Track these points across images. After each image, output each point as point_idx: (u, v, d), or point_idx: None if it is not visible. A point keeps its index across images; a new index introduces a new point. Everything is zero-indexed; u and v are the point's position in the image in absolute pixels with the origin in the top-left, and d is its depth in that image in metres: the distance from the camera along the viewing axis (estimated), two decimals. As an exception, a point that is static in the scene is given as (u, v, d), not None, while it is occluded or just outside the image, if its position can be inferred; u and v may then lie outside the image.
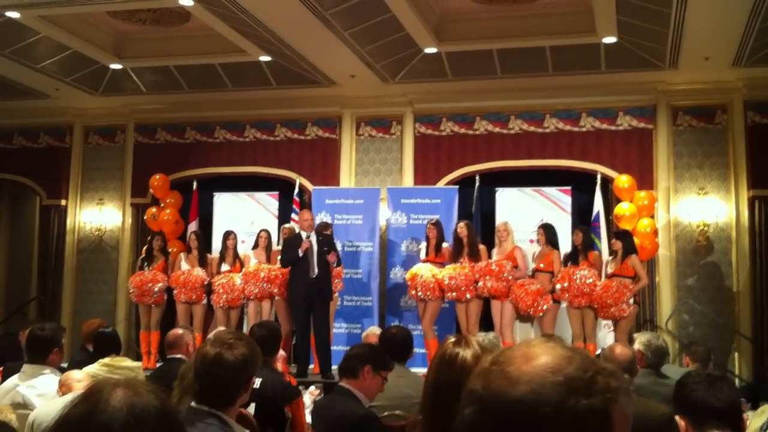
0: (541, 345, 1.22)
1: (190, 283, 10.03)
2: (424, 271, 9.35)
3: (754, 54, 9.23)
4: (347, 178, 11.35)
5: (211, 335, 5.67)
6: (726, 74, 9.92)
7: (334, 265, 9.25)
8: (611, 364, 3.75)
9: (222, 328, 6.26)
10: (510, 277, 9.24)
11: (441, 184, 10.91)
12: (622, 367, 4.69)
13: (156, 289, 10.19)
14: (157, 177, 11.48)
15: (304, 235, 9.16)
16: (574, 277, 8.97)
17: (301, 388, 5.98)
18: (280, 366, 5.67)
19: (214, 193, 11.74)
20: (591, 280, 8.94)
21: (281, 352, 5.43)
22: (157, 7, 9.11)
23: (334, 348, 9.39)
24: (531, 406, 1.13)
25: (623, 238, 9.22)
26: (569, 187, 10.58)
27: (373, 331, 8.09)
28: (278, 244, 10.29)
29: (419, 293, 9.30)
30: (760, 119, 10.13)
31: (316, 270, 9.08)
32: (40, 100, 11.78)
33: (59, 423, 1.36)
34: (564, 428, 1.12)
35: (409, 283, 9.44)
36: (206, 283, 10.12)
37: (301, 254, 9.07)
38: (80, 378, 4.43)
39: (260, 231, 10.33)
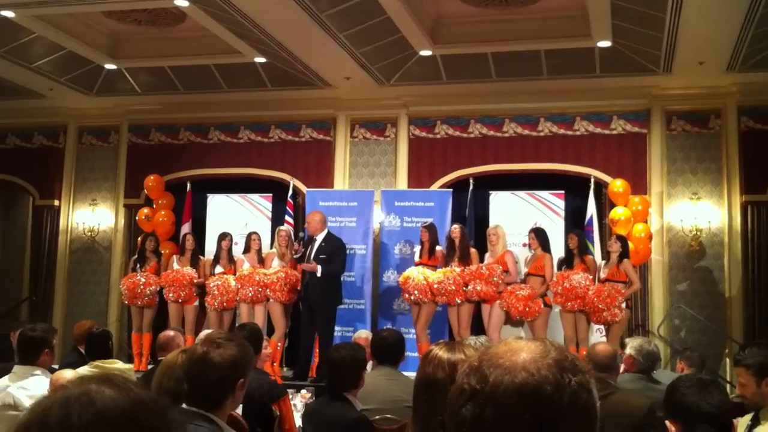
0: (518, 341, 1.33)
1: (178, 281, 10.00)
2: (416, 274, 9.35)
3: (748, 59, 9.26)
4: (341, 180, 11.34)
5: (201, 335, 5.69)
6: (720, 79, 9.95)
7: (317, 273, 9.24)
8: (594, 360, 3.76)
9: (212, 330, 6.22)
10: (500, 281, 9.24)
11: (435, 187, 10.91)
12: (602, 363, 4.74)
13: (148, 291, 10.15)
14: (152, 178, 11.45)
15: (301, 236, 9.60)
16: (566, 284, 8.97)
17: (292, 391, 5.98)
18: (264, 366, 5.66)
19: (208, 195, 11.72)
20: (585, 283, 8.95)
21: (264, 352, 5.42)
22: (152, 8, 9.10)
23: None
24: (533, 389, 1.22)
25: (622, 241, 9.25)
26: (563, 191, 10.59)
27: (361, 335, 8.09)
28: (271, 247, 10.28)
29: (412, 296, 9.29)
30: (753, 124, 10.15)
31: (308, 275, 9.23)
32: (34, 99, 11.75)
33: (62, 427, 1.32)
34: (563, 404, 1.23)
35: (402, 286, 9.43)
36: (197, 282, 10.09)
37: (294, 255, 9.49)
38: (71, 378, 4.40)
39: (251, 234, 10.29)
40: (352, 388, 4.37)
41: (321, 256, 9.29)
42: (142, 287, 10.11)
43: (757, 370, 3.73)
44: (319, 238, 9.46)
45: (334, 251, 9.41)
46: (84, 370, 5.23)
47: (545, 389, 1.23)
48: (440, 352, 2.64)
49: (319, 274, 9.21)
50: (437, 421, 2.45)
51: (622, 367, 4.83)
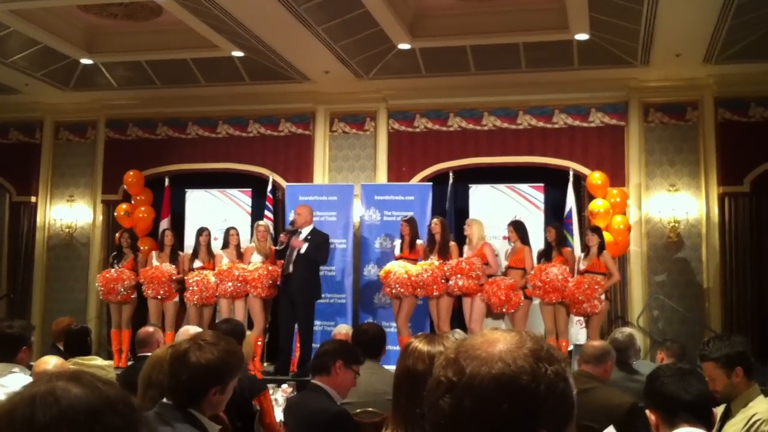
0: (494, 332, 1.35)
1: (157, 278, 9.94)
2: (397, 268, 9.35)
3: (724, 51, 9.31)
4: (321, 174, 11.31)
5: (181, 330, 5.67)
6: (697, 71, 10.00)
7: (301, 250, 9.26)
8: (583, 351, 3.78)
9: (190, 326, 6.19)
10: (481, 274, 9.25)
11: (415, 180, 10.92)
12: (588, 353, 4.78)
13: (120, 287, 10.07)
14: (131, 173, 11.37)
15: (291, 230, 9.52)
16: (544, 277, 9.00)
17: (273, 386, 5.97)
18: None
19: (187, 190, 11.66)
20: (563, 276, 8.98)
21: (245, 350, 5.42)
22: (128, 2, 9.04)
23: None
24: (510, 378, 1.24)
25: (599, 233, 9.30)
26: (542, 184, 10.62)
27: (340, 330, 8.09)
28: (251, 242, 10.26)
29: (394, 290, 9.29)
30: (730, 116, 10.22)
31: (290, 267, 9.19)
32: (10, 95, 11.63)
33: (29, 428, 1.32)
34: (540, 392, 1.24)
35: (383, 280, 9.43)
36: (176, 279, 10.04)
37: (278, 248, 9.45)
38: (55, 363, 4.37)
39: (229, 229, 10.24)
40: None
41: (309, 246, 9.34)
42: (115, 283, 10.04)
43: (726, 362, 3.74)
44: (305, 231, 9.45)
45: (320, 243, 9.42)
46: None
47: (522, 379, 1.24)
48: (420, 344, 2.65)
49: (303, 251, 9.21)
50: (417, 412, 2.46)
51: (609, 363, 4.82)
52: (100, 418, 1.32)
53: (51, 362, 4.39)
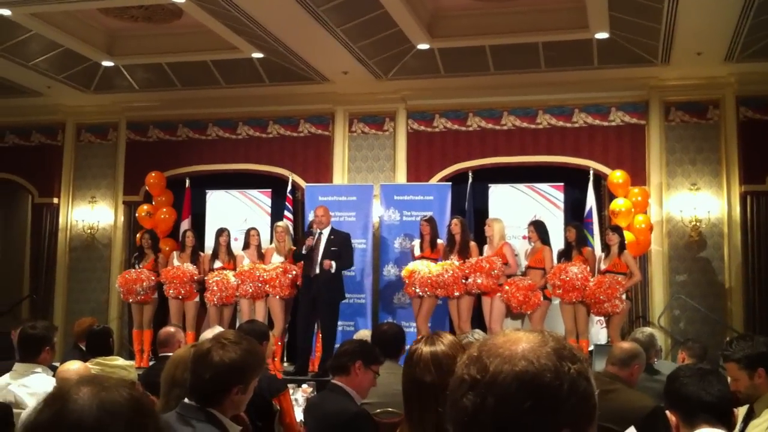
0: (516, 331, 1.35)
1: (178, 278, 10.00)
2: (421, 267, 9.33)
3: (745, 49, 9.24)
4: (340, 174, 11.33)
5: (207, 333, 5.69)
6: (718, 70, 9.93)
7: (331, 270, 9.23)
8: (611, 352, 3.77)
9: (217, 327, 6.22)
10: (500, 274, 9.23)
11: (434, 180, 10.91)
12: (615, 355, 4.75)
13: (139, 288, 10.13)
14: (153, 174, 11.45)
15: (316, 232, 9.43)
16: (563, 277, 8.96)
17: (293, 386, 5.98)
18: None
19: (207, 191, 11.71)
20: (582, 275, 8.94)
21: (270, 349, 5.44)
22: (149, 4, 9.08)
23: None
24: (534, 376, 1.25)
25: (619, 232, 9.25)
26: (562, 183, 10.58)
27: (363, 335, 8.07)
28: (271, 243, 10.29)
29: (417, 290, 9.27)
30: (752, 114, 10.14)
31: (317, 269, 9.18)
32: (32, 97, 11.75)
33: (28, 429, 1.35)
34: (563, 391, 1.25)
35: (407, 280, 9.41)
36: (197, 279, 10.10)
37: (304, 251, 9.35)
38: (77, 369, 4.41)
39: (250, 230, 10.30)
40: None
41: (332, 249, 9.31)
42: (134, 283, 10.11)
43: (747, 363, 3.71)
44: (326, 232, 9.46)
45: (344, 245, 9.43)
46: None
47: (545, 377, 1.25)
48: (423, 347, 2.68)
49: (333, 270, 9.22)
50: (428, 417, 2.49)
51: (636, 367, 4.77)
52: (107, 428, 1.35)
53: (73, 367, 4.45)
